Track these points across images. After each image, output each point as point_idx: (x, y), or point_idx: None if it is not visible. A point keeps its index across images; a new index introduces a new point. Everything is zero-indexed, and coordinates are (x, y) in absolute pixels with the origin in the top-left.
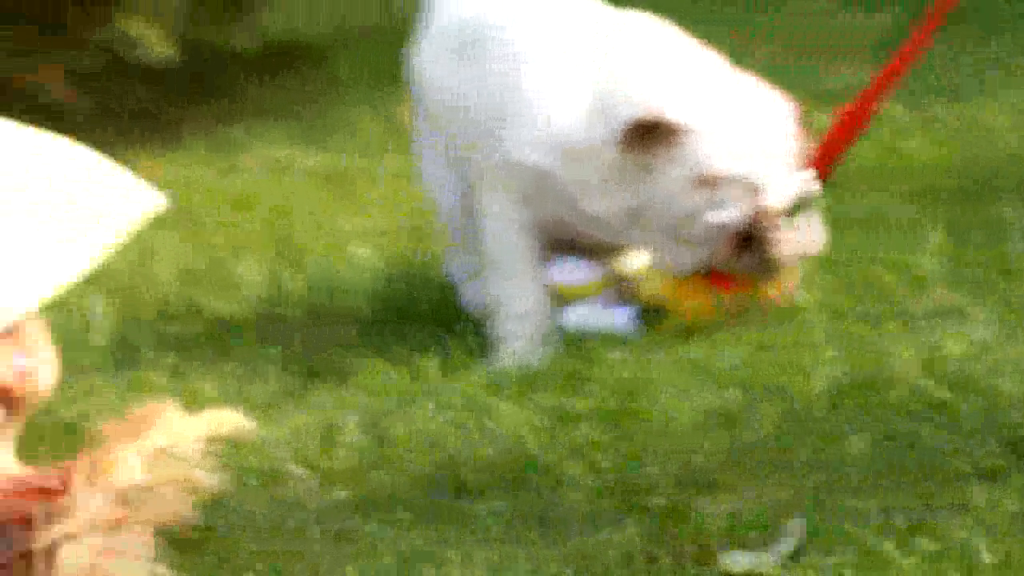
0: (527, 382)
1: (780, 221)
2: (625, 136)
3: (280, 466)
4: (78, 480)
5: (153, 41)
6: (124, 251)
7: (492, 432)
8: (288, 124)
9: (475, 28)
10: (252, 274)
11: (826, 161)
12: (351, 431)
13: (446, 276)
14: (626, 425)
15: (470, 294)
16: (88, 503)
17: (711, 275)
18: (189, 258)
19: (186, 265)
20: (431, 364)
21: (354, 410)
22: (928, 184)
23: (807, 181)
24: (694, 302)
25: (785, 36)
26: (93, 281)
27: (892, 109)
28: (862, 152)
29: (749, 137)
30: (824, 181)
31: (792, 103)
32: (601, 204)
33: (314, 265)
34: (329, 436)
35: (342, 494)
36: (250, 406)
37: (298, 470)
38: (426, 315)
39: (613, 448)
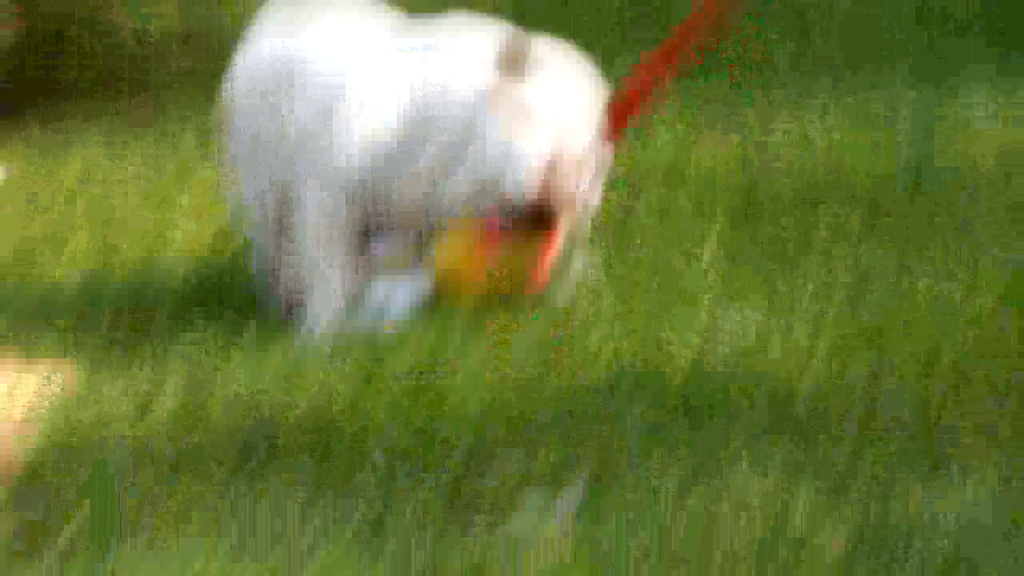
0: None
1: (579, 164)
2: (501, 60)
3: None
4: None
5: None
6: None
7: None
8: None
9: (286, 63)
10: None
11: (619, 122)
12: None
13: (252, 273)
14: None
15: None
16: None
17: (486, 238)
18: (28, 230)
19: (25, 235)
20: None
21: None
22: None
23: (601, 145)
24: (470, 269)
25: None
26: None
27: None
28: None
29: (567, 92)
30: (616, 142)
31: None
32: (416, 190)
33: (136, 249)
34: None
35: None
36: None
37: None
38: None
39: (413, 413)
